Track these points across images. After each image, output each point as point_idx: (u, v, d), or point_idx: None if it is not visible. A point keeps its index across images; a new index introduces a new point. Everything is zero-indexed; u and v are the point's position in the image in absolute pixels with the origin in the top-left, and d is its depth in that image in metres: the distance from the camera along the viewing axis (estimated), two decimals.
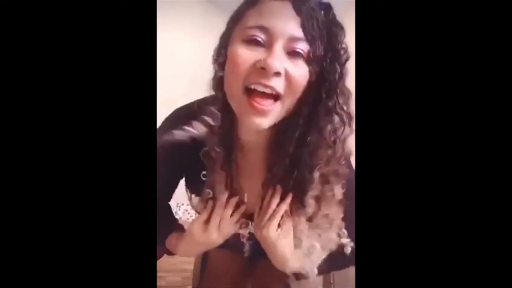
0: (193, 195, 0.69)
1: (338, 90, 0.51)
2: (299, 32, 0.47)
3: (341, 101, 0.51)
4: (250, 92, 0.48)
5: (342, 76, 0.51)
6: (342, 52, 0.51)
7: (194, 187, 0.67)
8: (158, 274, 1.95)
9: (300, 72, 0.48)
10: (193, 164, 0.60)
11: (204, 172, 0.60)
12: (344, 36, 0.52)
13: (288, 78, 0.48)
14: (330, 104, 0.50)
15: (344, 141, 0.52)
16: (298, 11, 0.47)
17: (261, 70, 0.47)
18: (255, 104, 0.48)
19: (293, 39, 0.48)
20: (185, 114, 0.67)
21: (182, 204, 2.26)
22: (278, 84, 0.48)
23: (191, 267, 1.06)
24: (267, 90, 0.48)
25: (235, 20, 0.52)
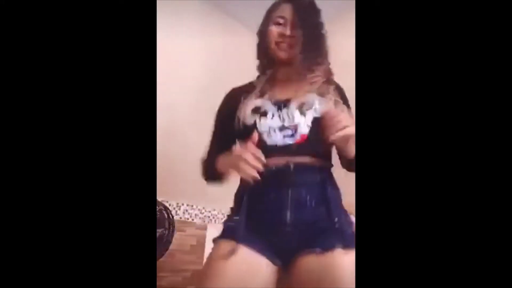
0: None
1: (315, 44, 0.96)
2: (297, 21, 0.98)
3: (316, 48, 0.97)
4: (277, 44, 1.00)
5: (318, 38, 0.97)
6: (319, 29, 0.97)
7: None
8: (158, 274, 1.95)
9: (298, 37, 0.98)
10: None
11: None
12: (320, 18, 0.98)
13: (294, 39, 0.98)
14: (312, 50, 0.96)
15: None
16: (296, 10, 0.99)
17: (283, 35, 0.98)
18: (280, 47, 0.99)
19: (295, 23, 0.98)
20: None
21: (182, 204, 2.26)
22: (290, 41, 0.98)
23: (191, 267, 1.05)
24: (286, 42, 0.98)
25: (268, 13, 1.04)
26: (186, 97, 2.21)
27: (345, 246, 0.78)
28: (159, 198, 1.87)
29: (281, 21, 0.99)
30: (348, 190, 0.84)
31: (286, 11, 0.99)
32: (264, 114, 0.93)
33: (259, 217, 0.86)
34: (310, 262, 0.78)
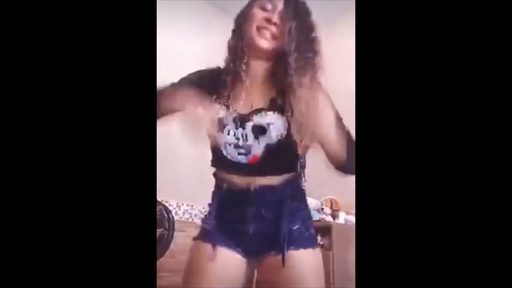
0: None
1: (309, 42, 0.88)
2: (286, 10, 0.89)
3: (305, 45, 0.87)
4: (259, 30, 0.88)
5: (306, 36, 0.88)
6: (308, 28, 0.89)
7: None
8: (158, 274, 1.95)
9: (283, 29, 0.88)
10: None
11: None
12: (310, 19, 0.90)
13: (279, 29, 0.88)
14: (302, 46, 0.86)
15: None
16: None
17: (269, 21, 0.87)
18: (262, 34, 0.88)
19: (284, 13, 0.88)
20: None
21: (182, 204, 2.26)
22: (275, 30, 0.88)
23: None
24: (270, 30, 0.88)
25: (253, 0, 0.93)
26: None
27: (306, 247, 0.90)
28: (159, 198, 1.87)
29: (268, 6, 0.88)
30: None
31: None
32: (223, 127, 0.94)
33: (226, 224, 0.95)
34: (274, 262, 0.88)
